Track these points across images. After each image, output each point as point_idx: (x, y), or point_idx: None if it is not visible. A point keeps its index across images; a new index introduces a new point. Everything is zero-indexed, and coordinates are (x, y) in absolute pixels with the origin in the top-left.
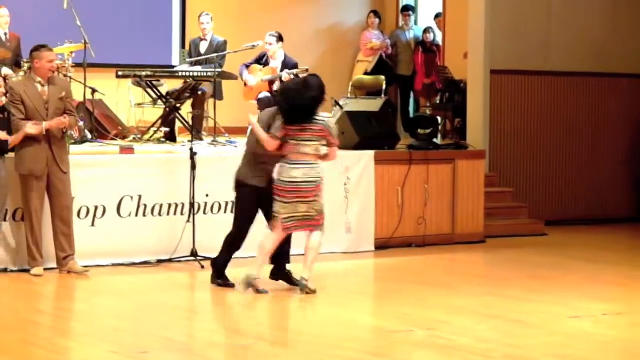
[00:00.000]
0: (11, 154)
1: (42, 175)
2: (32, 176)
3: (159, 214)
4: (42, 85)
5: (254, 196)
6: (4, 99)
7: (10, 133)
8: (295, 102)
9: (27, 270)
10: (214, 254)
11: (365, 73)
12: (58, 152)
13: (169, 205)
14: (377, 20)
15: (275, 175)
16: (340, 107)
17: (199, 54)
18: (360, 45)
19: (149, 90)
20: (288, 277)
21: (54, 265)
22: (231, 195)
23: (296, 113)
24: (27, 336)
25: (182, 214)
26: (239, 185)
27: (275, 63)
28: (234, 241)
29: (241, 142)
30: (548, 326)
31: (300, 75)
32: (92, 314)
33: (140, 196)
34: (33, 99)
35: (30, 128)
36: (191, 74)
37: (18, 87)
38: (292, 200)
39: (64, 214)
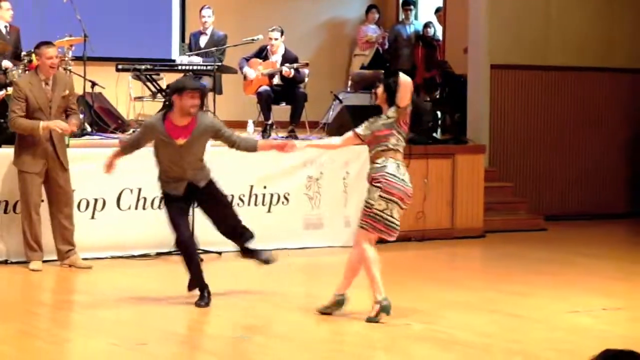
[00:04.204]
0: (6, 149)
1: (41, 172)
2: (31, 172)
3: (159, 207)
4: (47, 84)
5: None
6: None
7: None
8: None
9: (26, 263)
10: (214, 247)
11: (362, 67)
12: (60, 149)
13: None
14: (377, 15)
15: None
16: (340, 101)
17: (199, 48)
18: (357, 39)
19: (148, 84)
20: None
21: (53, 257)
22: (233, 188)
23: None
24: (27, 327)
25: None
26: None
27: (276, 57)
28: None
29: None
30: (548, 321)
31: (300, 70)
32: (91, 306)
33: (140, 189)
34: (38, 97)
35: (42, 130)
36: (191, 67)
37: (24, 84)
38: None
39: (66, 210)
